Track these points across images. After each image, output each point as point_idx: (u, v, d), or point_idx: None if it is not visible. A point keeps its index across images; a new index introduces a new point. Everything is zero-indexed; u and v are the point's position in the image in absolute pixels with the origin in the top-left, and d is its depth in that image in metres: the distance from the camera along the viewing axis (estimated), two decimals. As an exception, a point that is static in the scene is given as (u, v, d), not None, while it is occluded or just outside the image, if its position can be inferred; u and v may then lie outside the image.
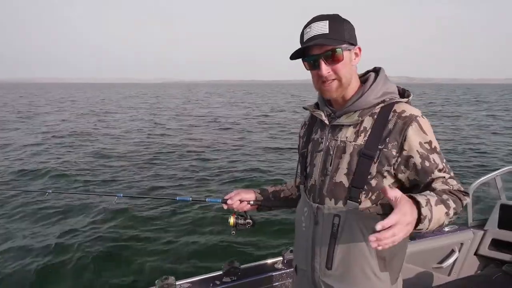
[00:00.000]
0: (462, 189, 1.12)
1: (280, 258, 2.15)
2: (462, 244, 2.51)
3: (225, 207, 1.54)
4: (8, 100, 38.85)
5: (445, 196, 1.06)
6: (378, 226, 0.90)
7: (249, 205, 1.54)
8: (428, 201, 0.99)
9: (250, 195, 1.54)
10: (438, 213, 1.01)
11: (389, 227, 0.90)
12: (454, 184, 1.12)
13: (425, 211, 0.97)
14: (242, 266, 2.02)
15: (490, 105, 31.96)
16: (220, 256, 4.27)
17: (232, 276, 1.95)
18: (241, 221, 1.56)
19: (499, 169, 2.69)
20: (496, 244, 2.53)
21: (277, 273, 2.07)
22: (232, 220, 1.55)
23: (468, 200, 1.12)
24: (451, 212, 1.05)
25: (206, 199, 1.67)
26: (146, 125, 17.52)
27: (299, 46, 1.19)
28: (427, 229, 1.00)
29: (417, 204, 0.97)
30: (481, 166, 8.95)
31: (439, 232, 2.51)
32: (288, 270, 2.09)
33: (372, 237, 0.90)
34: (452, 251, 2.48)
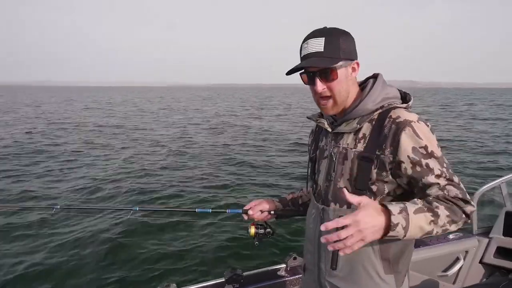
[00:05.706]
0: (460, 196, 1.04)
1: (283, 265, 2.13)
2: (467, 252, 2.48)
3: (245, 217, 1.55)
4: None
5: (435, 204, 1.02)
6: (322, 227, 0.90)
7: (269, 215, 1.55)
8: (403, 209, 0.97)
9: (270, 205, 1.55)
10: (419, 221, 0.98)
11: (344, 227, 0.89)
12: (452, 190, 1.06)
13: (396, 218, 0.95)
14: (245, 273, 2.00)
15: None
16: (223, 263, 4.24)
17: (234, 284, 1.93)
18: (261, 231, 1.55)
19: (504, 175, 2.66)
20: (502, 252, 2.50)
21: (280, 280, 2.04)
22: (252, 230, 1.55)
23: (472, 208, 1.04)
24: (442, 220, 1.00)
25: (227, 210, 1.66)
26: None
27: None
28: (405, 236, 0.97)
29: (388, 212, 0.95)
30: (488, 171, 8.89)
31: (443, 240, 2.48)
32: (291, 278, 2.06)
33: (322, 239, 0.90)
34: (457, 259, 2.45)
